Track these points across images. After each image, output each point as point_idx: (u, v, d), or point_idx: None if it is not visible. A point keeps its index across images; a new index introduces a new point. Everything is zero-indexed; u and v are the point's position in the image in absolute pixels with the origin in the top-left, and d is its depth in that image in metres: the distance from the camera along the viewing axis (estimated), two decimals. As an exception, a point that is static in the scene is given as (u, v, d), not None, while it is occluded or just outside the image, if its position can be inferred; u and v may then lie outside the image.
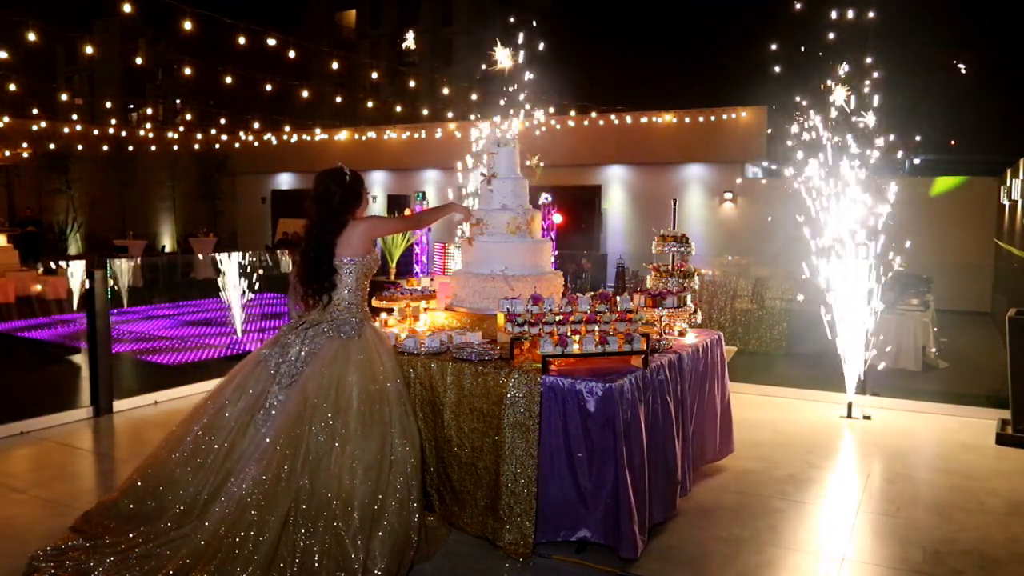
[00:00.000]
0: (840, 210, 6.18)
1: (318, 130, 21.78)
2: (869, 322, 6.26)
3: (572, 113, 17.08)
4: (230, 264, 9.43)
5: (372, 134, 21.01)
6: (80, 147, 21.54)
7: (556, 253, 5.35)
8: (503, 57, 5.12)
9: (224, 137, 22.08)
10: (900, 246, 6.46)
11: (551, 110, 16.23)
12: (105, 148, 21.63)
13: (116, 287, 12.88)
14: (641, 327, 3.98)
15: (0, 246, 15.81)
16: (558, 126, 16.50)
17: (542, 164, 4.83)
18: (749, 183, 16.82)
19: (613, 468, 3.44)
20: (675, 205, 5.62)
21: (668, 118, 16.98)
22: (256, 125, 20.54)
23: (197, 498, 3.43)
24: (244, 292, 9.61)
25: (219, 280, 9.47)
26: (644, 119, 17.23)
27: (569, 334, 3.81)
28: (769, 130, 16.10)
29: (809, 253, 6.38)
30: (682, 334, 4.61)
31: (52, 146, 21.40)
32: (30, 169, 22.41)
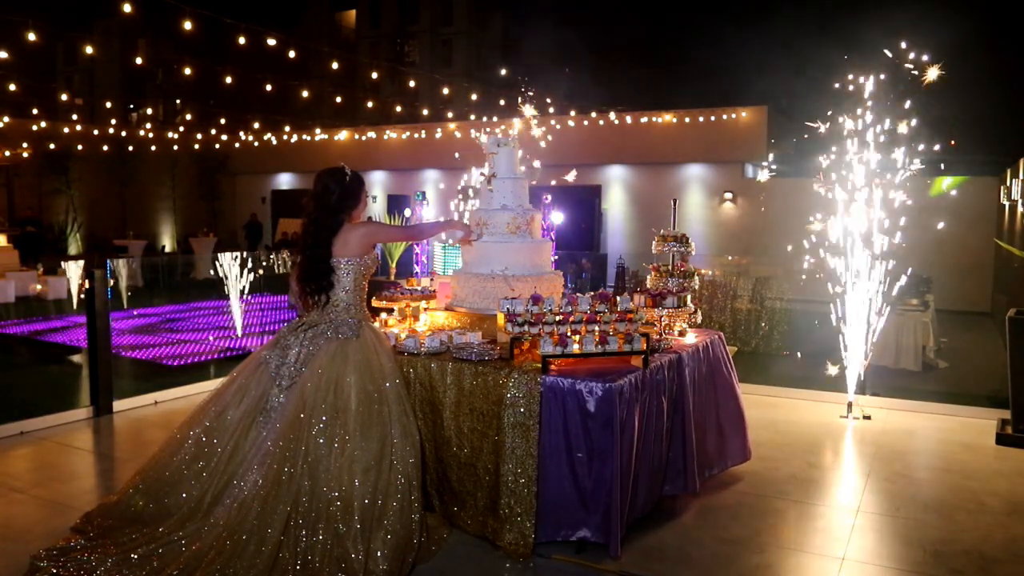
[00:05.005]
0: (860, 210, 6.16)
1: (318, 130, 21.79)
2: (873, 322, 6.26)
3: (572, 113, 17.09)
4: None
5: (372, 134, 21.02)
6: (80, 147, 21.55)
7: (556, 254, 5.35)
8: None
9: (224, 137, 22.09)
10: (909, 246, 6.46)
11: (551, 110, 16.26)
12: (105, 148, 21.64)
13: (117, 287, 12.88)
14: (641, 327, 3.98)
15: (0, 246, 15.82)
16: (558, 126, 16.50)
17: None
18: (749, 183, 16.83)
19: (611, 468, 3.45)
20: (675, 205, 5.61)
21: (668, 118, 16.99)
22: (256, 125, 20.55)
23: (200, 500, 3.44)
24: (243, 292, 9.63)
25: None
26: (644, 119, 17.24)
27: (569, 334, 3.81)
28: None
29: (821, 253, 6.37)
30: (682, 334, 4.61)
31: (52, 146, 21.41)
32: (30, 169, 22.42)
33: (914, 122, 6.11)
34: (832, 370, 6.27)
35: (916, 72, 6.00)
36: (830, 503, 4.38)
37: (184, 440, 3.59)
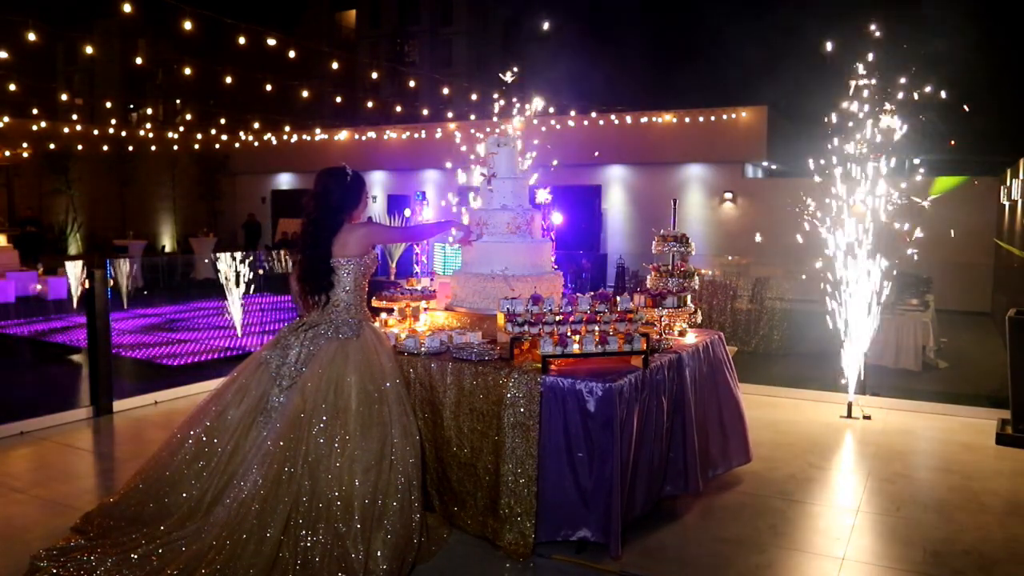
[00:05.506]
0: (855, 210, 6.16)
1: (318, 130, 21.78)
2: (872, 322, 6.26)
3: (572, 113, 17.08)
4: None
5: (372, 134, 21.01)
6: (80, 147, 21.54)
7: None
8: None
9: (224, 137, 22.08)
10: (906, 246, 6.46)
11: (551, 110, 16.25)
12: (105, 148, 21.63)
13: (121, 285, 12.86)
14: (641, 327, 3.98)
15: (0, 246, 15.83)
16: (558, 126, 16.50)
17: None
18: (749, 183, 16.82)
19: (611, 468, 3.45)
20: (675, 205, 5.60)
21: (668, 118, 16.98)
22: (256, 125, 20.54)
23: (201, 500, 3.44)
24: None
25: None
26: (644, 119, 17.23)
27: (569, 334, 3.81)
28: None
29: (819, 253, 6.38)
30: (682, 334, 4.61)
31: (52, 146, 21.41)
32: (30, 169, 22.42)
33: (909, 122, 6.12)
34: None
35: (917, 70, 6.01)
36: (830, 503, 4.38)
37: (184, 440, 3.59)
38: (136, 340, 9.67)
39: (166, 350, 8.93)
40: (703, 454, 4.30)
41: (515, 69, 4.83)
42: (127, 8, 9.16)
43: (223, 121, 22.31)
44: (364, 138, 21.24)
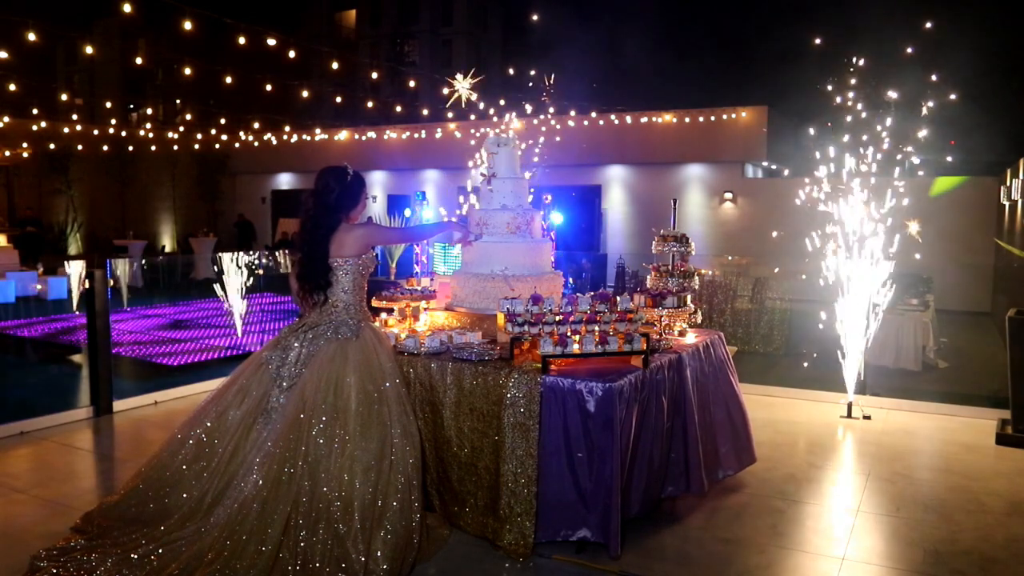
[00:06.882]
0: (853, 209, 6.17)
1: (318, 130, 21.79)
2: (871, 322, 6.26)
3: (572, 113, 17.07)
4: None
5: (372, 134, 21.02)
6: (80, 147, 21.54)
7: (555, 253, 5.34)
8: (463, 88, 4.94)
9: (224, 137, 22.09)
10: (909, 246, 6.46)
11: (551, 110, 16.26)
12: (105, 148, 21.63)
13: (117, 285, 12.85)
14: (641, 327, 3.98)
15: (0, 246, 15.82)
16: (558, 126, 16.50)
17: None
18: (749, 183, 16.82)
19: (611, 468, 3.45)
20: (675, 205, 5.61)
21: (668, 118, 16.98)
22: (256, 125, 20.54)
23: (201, 501, 3.44)
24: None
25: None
26: (644, 119, 17.23)
27: (569, 334, 3.81)
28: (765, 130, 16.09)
29: (818, 253, 6.38)
30: (682, 334, 4.61)
31: (52, 146, 21.40)
32: (30, 169, 22.42)
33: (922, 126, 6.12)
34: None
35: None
36: (830, 503, 4.38)
37: (185, 440, 3.59)
38: (137, 340, 9.67)
39: (166, 349, 8.93)
40: (711, 455, 4.29)
41: (512, 70, 4.84)
42: (127, 8, 9.16)
43: (223, 121, 22.31)
44: (364, 138, 21.24)
